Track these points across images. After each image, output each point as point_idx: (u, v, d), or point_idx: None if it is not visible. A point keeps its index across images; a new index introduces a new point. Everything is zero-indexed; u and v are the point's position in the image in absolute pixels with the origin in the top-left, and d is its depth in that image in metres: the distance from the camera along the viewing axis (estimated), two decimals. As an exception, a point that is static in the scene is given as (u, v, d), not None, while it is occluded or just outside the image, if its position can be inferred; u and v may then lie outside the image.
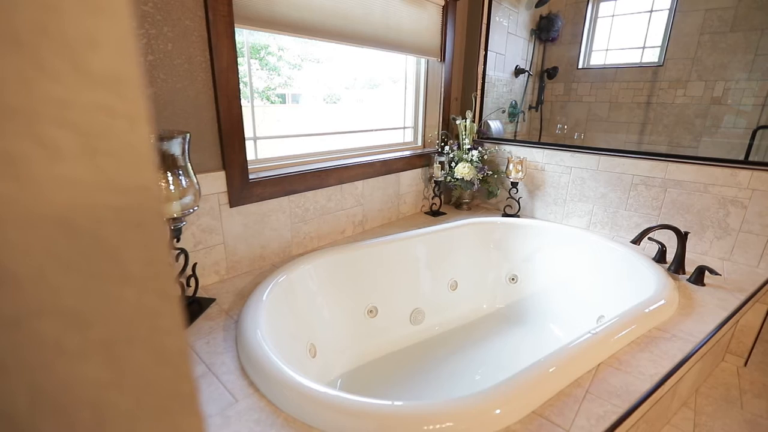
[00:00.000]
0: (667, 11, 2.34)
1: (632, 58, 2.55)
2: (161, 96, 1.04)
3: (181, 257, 1.11)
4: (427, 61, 2.06)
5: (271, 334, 1.00)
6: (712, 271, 1.33)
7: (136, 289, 0.17)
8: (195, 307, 1.13)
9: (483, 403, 0.77)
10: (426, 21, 1.87)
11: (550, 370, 0.85)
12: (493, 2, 2.09)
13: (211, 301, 1.17)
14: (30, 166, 0.15)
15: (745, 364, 1.61)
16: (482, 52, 2.13)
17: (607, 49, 2.66)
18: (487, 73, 2.22)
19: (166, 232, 0.18)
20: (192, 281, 1.16)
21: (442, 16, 1.96)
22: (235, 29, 1.16)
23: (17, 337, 0.15)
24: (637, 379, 0.89)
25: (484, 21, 2.08)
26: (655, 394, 0.87)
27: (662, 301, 1.19)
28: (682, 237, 1.43)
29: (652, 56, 2.45)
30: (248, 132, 1.41)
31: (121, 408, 0.18)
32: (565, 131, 2.89)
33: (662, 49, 2.37)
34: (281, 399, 0.78)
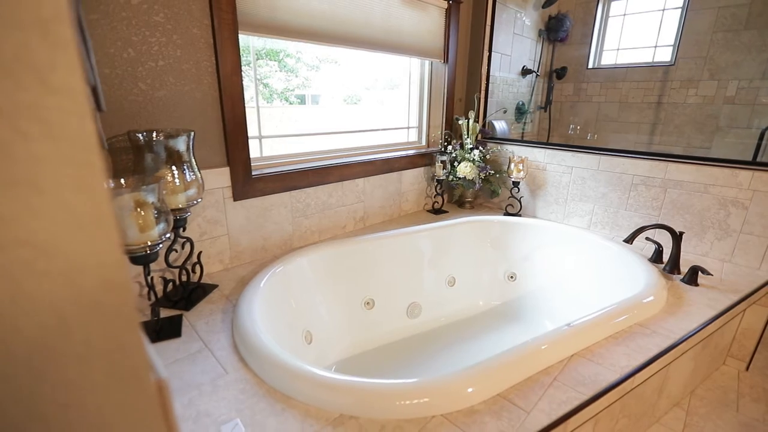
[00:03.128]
0: (680, 10, 2.30)
1: (644, 57, 2.51)
2: (171, 98, 1.15)
3: (187, 245, 1.21)
4: (431, 62, 2.11)
5: (267, 319, 1.08)
6: (704, 271, 1.33)
7: (86, 233, 0.25)
8: (199, 291, 1.23)
9: (456, 383, 0.82)
10: (428, 23, 1.93)
11: (520, 357, 0.90)
12: (497, 4, 2.12)
13: (214, 287, 1.27)
14: (11, 146, 0.22)
15: (747, 368, 1.58)
16: (486, 54, 2.16)
17: (618, 49, 2.63)
18: (492, 73, 2.25)
19: (107, 191, 0.25)
20: (197, 268, 1.26)
21: (446, 18, 2.01)
22: (240, 36, 1.26)
23: (2, 258, 0.23)
24: (608, 371, 0.92)
25: (488, 23, 2.11)
26: (623, 386, 0.90)
27: (650, 298, 1.20)
28: (677, 237, 1.43)
29: (664, 55, 2.41)
30: (255, 131, 1.51)
31: (78, 319, 0.25)
32: (578, 131, 2.87)
33: (674, 48, 2.33)
34: (265, 372, 0.85)
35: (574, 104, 2.79)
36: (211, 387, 0.83)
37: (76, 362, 0.26)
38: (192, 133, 1.08)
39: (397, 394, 0.79)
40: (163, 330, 1.02)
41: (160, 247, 0.96)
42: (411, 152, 2.07)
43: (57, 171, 0.24)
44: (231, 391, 0.82)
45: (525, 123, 2.76)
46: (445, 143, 2.18)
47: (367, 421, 0.75)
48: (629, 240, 1.42)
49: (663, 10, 2.41)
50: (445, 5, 1.97)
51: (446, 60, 2.07)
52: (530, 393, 0.84)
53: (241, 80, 1.28)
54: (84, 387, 0.26)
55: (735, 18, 2.09)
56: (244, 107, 1.31)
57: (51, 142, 0.23)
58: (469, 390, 0.82)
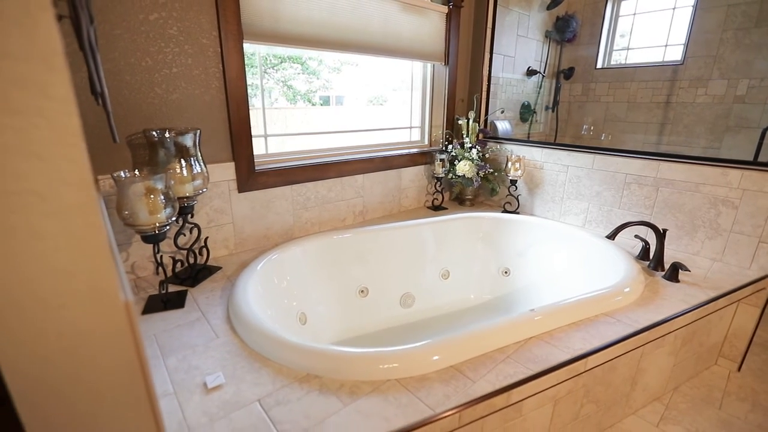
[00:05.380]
0: (691, 8, 2.27)
1: (655, 57, 2.49)
2: (183, 100, 1.31)
3: (195, 230, 1.37)
4: (433, 64, 2.20)
5: (262, 298, 1.21)
6: (683, 267, 1.35)
7: (71, 187, 0.37)
8: (205, 272, 1.38)
9: (421, 353, 0.93)
10: (428, 28, 2.02)
11: (478, 335, 0.98)
12: (499, 7, 2.18)
13: (218, 268, 1.42)
14: (28, 132, 0.35)
15: (739, 369, 1.57)
16: (487, 56, 2.22)
17: (627, 49, 2.62)
18: (495, 75, 2.31)
19: (87, 162, 0.38)
20: (204, 251, 1.42)
21: (446, 22, 2.09)
22: (246, 44, 1.40)
23: (19, 201, 0.36)
24: (561, 352, 0.99)
25: (489, 25, 2.18)
26: (573, 367, 0.96)
27: (626, 289, 1.25)
28: (660, 234, 1.45)
29: (675, 54, 2.38)
30: (260, 130, 1.66)
31: (66, 245, 0.38)
32: (591, 132, 2.86)
33: (684, 46, 2.30)
34: (249, 337, 0.98)
35: (582, 104, 2.79)
36: (203, 348, 0.97)
37: (65, 276, 0.39)
38: (198, 131, 1.23)
39: (354, 360, 0.89)
40: (169, 301, 1.17)
41: (168, 229, 1.12)
42: (411, 150, 2.16)
43: (54, 148, 0.37)
44: (219, 352, 0.96)
45: (531, 123, 2.79)
46: (446, 142, 2.26)
47: (329, 380, 0.86)
48: (611, 236, 1.46)
49: (674, 8, 2.38)
50: (446, 10, 2.06)
51: (447, 62, 2.15)
52: (481, 367, 0.92)
53: (246, 84, 1.42)
54: (71, 294, 0.39)
55: (745, 16, 2.05)
56: (248, 109, 1.46)
57: (51, 129, 0.36)
58: (435, 358, 0.92)
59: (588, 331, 1.07)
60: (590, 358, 0.99)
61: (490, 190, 2.26)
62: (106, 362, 0.43)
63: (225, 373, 0.88)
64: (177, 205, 1.12)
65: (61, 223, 0.37)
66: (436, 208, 2.23)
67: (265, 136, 1.69)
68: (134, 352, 0.44)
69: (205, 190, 1.29)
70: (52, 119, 0.36)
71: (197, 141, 1.24)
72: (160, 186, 1.05)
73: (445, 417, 0.78)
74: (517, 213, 2.11)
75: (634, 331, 1.08)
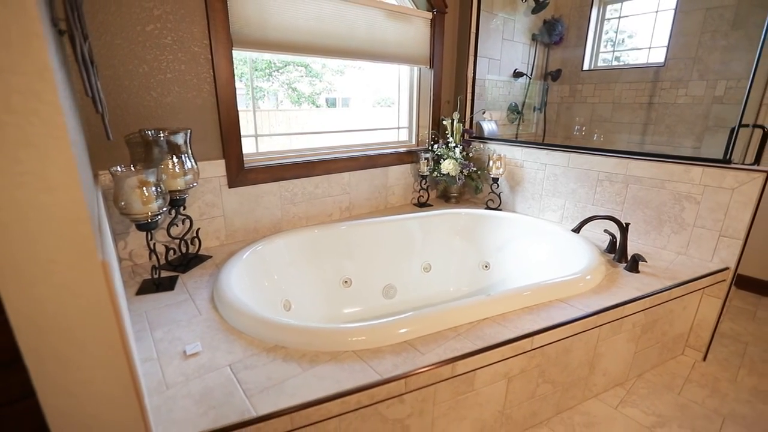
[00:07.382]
0: (673, 11, 2.33)
1: (640, 59, 2.55)
2: (176, 103, 1.43)
3: (187, 221, 1.50)
4: (419, 68, 2.30)
5: (248, 286, 1.33)
6: (641, 259, 1.43)
7: (59, 169, 0.49)
8: (196, 260, 1.51)
9: (385, 328, 1.04)
10: (413, 33, 2.12)
11: (432, 316, 1.08)
12: (483, 12, 2.27)
13: (208, 257, 1.54)
14: (25, 128, 0.47)
15: (704, 358, 1.63)
16: (471, 59, 2.32)
17: (613, 51, 2.68)
18: (481, 77, 2.40)
19: (70, 151, 0.49)
20: (195, 241, 1.54)
21: (431, 27, 2.19)
22: (237, 51, 1.53)
23: (22, 179, 0.47)
24: (509, 331, 1.08)
25: (473, 30, 2.27)
26: (518, 344, 1.05)
27: (589, 277, 1.33)
28: (623, 228, 1.53)
29: (658, 57, 2.45)
30: (251, 130, 1.78)
31: (57, 215, 0.50)
32: (583, 132, 2.92)
33: (666, 49, 2.36)
34: (227, 314, 1.10)
35: (570, 105, 2.86)
36: (186, 323, 1.09)
37: (55, 238, 0.50)
38: (189, 131, 1.36)
39: (315, 333, 1.00)
40: (161, 285, 1.30)
41: (160, 219, 1.24)
42: (398, 149, 2.26)
43: (45, 139, 0.48)
44: (200, 326, 1.07)
45: (519, 123, 2.87)
46: (432, 142, 2.36)
47: (293, 351, 0.97)
48: (576, 229, 1.54)
49: (656, 11, 2.45)
50: (430, 15, 2.16)
51: (432, 66, 2.25)
52: (432, 342, 1.02)
53: (235, 88, 1.55)
54: (59, 252, 0.51)
55: (723, 19, 2.11)
56: (237, 111, 1.58)
57: (43, 126, 0.48)
58: (402, 331, 1.03)
59: (539, 314, 1.16)
60: (536, 337, 1.08)
61: (474, 188, 2.35)
62: (87, 306, 0.54)
63: (203, 343, 0.99)
64: (168, 197, 1.24)
65: (52, 197, 0.49)
66: (422, 206, 2.33)
67: (256, 136, 1.81)
68: (108, 301, 0.56)
69: (195, 184, 1.41)
70: (44, 118, 0.48)
71: (188, 139, 1.36)
72: (152, 180, 1.18)
73: (391, 382, 0.88)
74: (500, 210, 2.20)
75: (581, 315, 1.16)
